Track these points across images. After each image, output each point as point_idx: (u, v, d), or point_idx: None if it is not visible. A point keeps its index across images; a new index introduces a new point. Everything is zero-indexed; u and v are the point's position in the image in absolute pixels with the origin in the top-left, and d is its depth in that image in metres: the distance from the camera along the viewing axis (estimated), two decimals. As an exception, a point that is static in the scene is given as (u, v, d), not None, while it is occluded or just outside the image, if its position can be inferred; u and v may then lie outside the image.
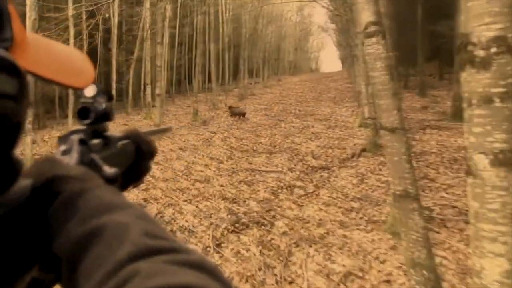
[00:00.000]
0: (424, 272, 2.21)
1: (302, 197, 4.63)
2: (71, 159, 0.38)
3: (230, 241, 3.54)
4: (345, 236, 3.48)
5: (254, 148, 7.58)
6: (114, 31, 15.93)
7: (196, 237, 3.68)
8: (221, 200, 4.67)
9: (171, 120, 12.59)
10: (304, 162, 6.24)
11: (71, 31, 10.83)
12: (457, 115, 7.09)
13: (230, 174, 5.83)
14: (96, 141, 0.44)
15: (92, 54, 15.93)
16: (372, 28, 2.33)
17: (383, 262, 2.98)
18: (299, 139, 7.97)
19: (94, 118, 0.44)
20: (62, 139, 0.40)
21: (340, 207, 4.20)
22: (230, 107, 12.05)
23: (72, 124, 10.75)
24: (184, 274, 0.21)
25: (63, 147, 0.39)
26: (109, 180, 0.38)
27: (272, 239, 3.52)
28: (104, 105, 0.45)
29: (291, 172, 5.71)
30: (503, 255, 1.26)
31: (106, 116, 0.46)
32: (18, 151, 0.29)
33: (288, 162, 6.30)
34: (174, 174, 6.03)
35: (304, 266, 3.00)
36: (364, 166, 5.65)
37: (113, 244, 0.24)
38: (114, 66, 15.85)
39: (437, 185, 4.52)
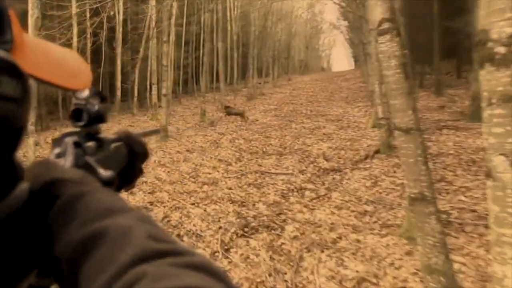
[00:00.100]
0: (442, 278, 2.15)
1: (314, 200, 4.54)
2: (66, 162, 0.38)
3: (239, 246, 3.48)
4: (358, 240, 3.38)
5: (264, 149, 7.49)
6: (119, 29, 15.86)
7: (204, 241, 3.64)
8: (230, 203, 4.61)
9: (178, 121, 12.57)
10: (315, 164, 6.14)
11: (75, 29, 10.84)
12: (476, 115, 6.84)
13: (239, 176, 5.77)
14: (90, 143, 0.44)
15: (96, 53, 16.11)
16: (385, 25, 2.26)
17: (398, 268, 2.88)
18: (310, 140, 7.86)
19: (88, 120, 0.44)
20: (56, 142, 0.40)
21: (353, 211, 4.10)
22: (226, 107, 11.96)
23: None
24: (189, 276, 0.22)
25: (57, 150, 0.39)
26: (106, 183, 0.38)
27: (283, 243, 3.45)
28: (97, 107, 0.45)
29: (302, 174, 5.62)
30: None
31: (100, 118, 0.45)
32: (20, 153, 0.26)
33: (299, 164, 6.21)
34: (181, 176, 6.00)
35: (316, 271, 2.92)
36: (378, 168, 5.52)
37: (116, 247, 0.24)
38: (119, 66, 15.86)
39: (455, 188, 4.36)
